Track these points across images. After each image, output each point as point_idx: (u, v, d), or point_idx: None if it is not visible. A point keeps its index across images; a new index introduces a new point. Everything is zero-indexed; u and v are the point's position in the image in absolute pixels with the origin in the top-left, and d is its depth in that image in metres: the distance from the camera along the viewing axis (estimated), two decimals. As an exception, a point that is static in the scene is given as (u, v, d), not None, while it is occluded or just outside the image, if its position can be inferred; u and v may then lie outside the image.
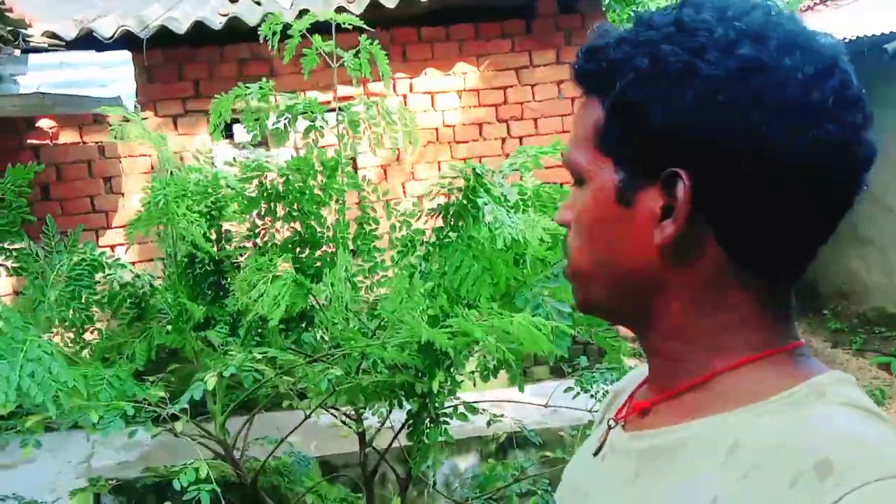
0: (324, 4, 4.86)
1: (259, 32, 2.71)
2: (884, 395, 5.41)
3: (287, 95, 2.61)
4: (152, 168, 5.09)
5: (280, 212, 2.35)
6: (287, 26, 2.64)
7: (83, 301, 2.15)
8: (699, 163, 0.65)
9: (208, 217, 2.26)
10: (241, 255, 2.33)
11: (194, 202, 2.11)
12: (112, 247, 4.68)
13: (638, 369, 0.93)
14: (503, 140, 5.22)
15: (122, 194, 5.11)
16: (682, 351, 0.72)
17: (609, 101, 0.68)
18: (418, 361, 1.93)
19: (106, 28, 4.75)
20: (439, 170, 5.19)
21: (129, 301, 2.27)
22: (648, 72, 0.66)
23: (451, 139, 5.20)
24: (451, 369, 2.12)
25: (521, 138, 5.18)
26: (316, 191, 2.32)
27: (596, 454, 0.81)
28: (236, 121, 4.90)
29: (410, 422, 2.28)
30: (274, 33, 2.67)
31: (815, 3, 8.43)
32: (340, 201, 2.40)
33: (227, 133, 5.15)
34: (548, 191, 2.20)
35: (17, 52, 4.77)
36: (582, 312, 0.86)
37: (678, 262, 0.69)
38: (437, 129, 5.19)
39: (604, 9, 5.34)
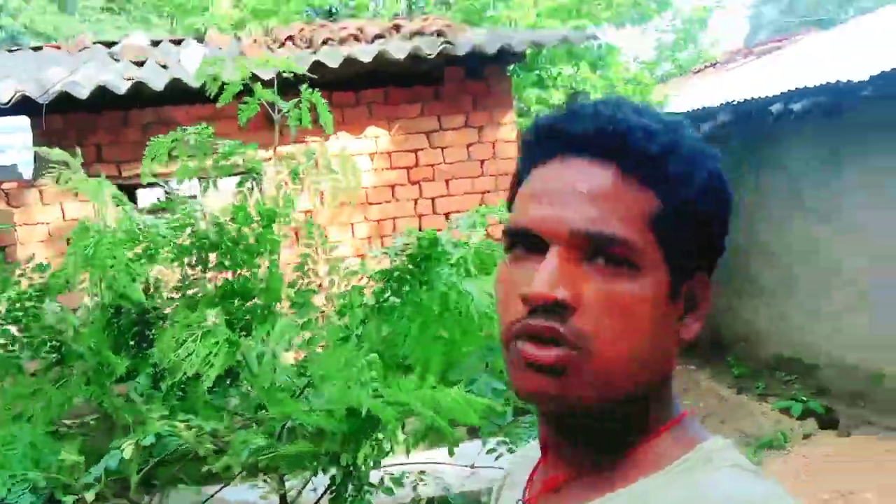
0: (235, 72, 4.85)
1: (174, 103, 2.70)
2: (786, 439, 5.63)
3: (225, 142, 2.59)
4: (49, 236, 4.89)
5: (212, 261, 2.27)
6: (223, 84, 2.65)
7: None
8: (711, 265, 0.78)
9: (138, 264, 2.16)
10: (169, 307, 2.24)
11: (124, 249, 2.03)
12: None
13: (521, 452, 0.94)
14: (415, 201, 5.28)
15: (18, 262, 4.87)
16: (610, 432, 0.74)
17: (674, 200, 0.72)
18: (345, 428, 1.88)
19: (3, 92, 4.58)
20: (352, 233, 5.20)
21: (48, 344, 2.12)
22: (707, 182, 0.74)
23: (364, 201, 5.22)
24: (381, 437, 2.07)
25: (433, 199, 5.26)
26: (251, 240, 2.26)
27: None
28: (140, 186, 4.77)
29: (333, 488, 2.22)
30: (214, 78, 2.66)
31: (704, 67, 8.97)
32: (275, 253, 2.36)
33: (131, 198, 5.02)
34: (488, 250, 2.15)
35: None
36: (555, 406, 0.73)
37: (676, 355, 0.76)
38: (347, 191, 5.20)
39: (508, 74, 5.52)
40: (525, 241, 0.73)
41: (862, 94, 5.32)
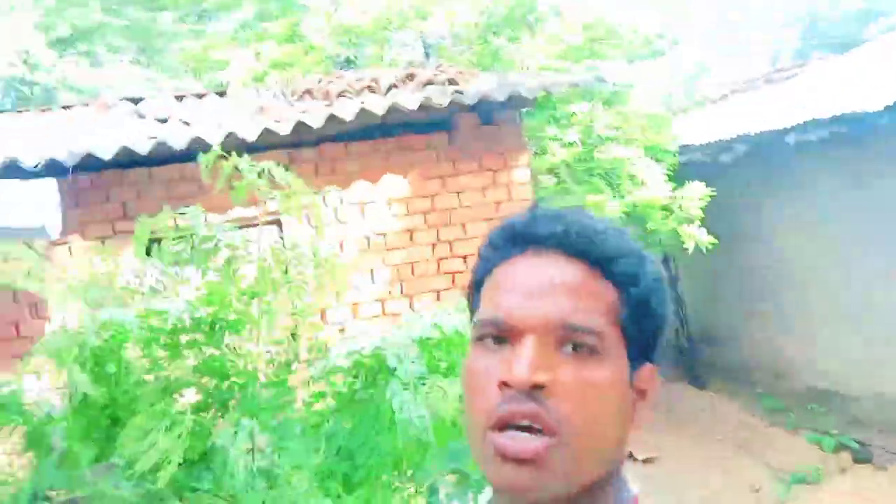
0: (252, 125, 4.99)
1: (196, 160, 2.76)
2: (820, 474, 5.52)
3: (214, 217, 2.62)
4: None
5: (183, 340, 2.26)
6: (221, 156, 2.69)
7: None
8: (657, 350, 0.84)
9: (107, 351, 2.16)
10: (141, 390, 2.20)
11: (90, 351, 2.03)
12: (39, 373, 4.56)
13: None
14: (433, 245, 5.34)
15: (48, 319, 5.01)
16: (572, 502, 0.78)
17: (632, 295, 0.79)
18: None
19: (31, 157, 4.76)
20: (372, 278, 5.26)
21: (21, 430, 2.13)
22: (655, 282, 0.82)
23: (382, 246, 5.29)
24: None
25: (450, 242, 5.32)
26: (230, 316, 2.28)
27: None
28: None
29: None
30: (207, 165, 2.71)
31: (720, 97, 8.96)
32: (256, 331, 2.37)
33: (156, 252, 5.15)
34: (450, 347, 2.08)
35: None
36: (533, 498, 0.75)
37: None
38: (368, 237, 5.28)
39: (520, 118, 5.58)
40: (497, 332, 0.77)
41: (879, 123, 5.29)
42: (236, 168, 2.56)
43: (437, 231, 5.36)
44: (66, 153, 4.76)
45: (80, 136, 4.96)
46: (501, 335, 0.77)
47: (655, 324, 0.81)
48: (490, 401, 0.75)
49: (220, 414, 2.25)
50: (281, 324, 2.51)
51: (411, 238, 5.36)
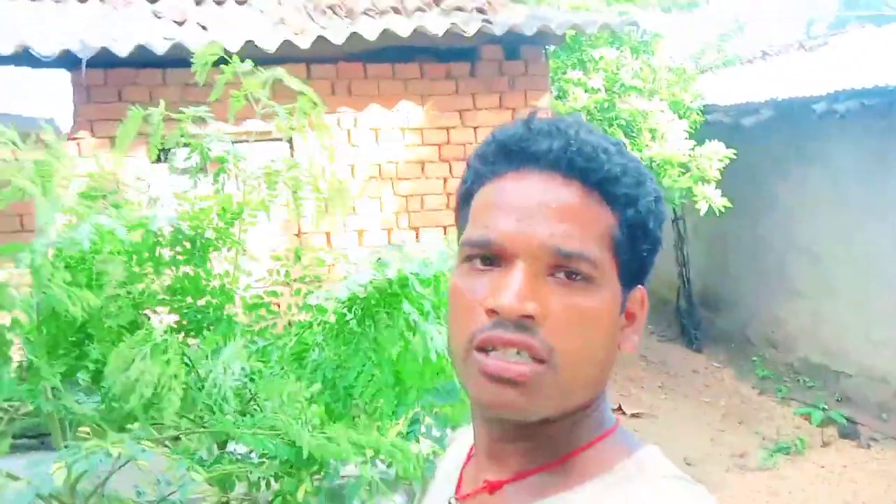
0: (273, 33, 4.86)
1: (192, 63, 2.62)
2: (804, 445, 5.55)
3: (217, 127, 2.50)
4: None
5: (166, 256, 2.13)
6: (222, 60, 2.54)
7: None
8: (649, 272, 0.80)
9: (82, 262, 2.00)
10: (113, 304, 2.05)
11: (72, 268, 1.90)
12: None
13: (457, 436, 0.96)
14: (445, 179, 5.25)
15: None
16: (552, 438, 0.77)
17: (629, 218, 0.75)
18: (287, 456, 1.77)
19: (45, 46, 4.65)
20: (381, 207, 5.20)
21: None
22: (653, 202, 0.77)
23: (393, 175, 5.21)
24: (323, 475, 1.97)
25: (459, 179, 5.23)
26: (209, 234, 2.16)
27: None
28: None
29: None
30: (204, 63, 2.56)
31: (752, 59, 8.74)
32: (237, 250, 2.23)
33: (167, 158, 5.08)
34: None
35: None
36: (521, 419, 0.75)
37: None
38: (379, 164, 5.20)
39: (547, 56, 5.44)
40: (486, 254, 0.73)
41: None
42: (236, 74, 2.42)
43: (450, 165, 5.27)
44: (81, 45, 4.64)
45: (96, 30, 4.84)
46: (489, 257, 0.73)
47: (650, 246, 0.77)
48: (476, 323, 0.72)
49: (193, 335, 2.16)
50: (267, 245, 2.41)
51: (423, 170, 5.27)
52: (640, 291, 0.78)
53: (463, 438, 0.92)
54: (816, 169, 6.55)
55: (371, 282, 1.80)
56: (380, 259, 1.91)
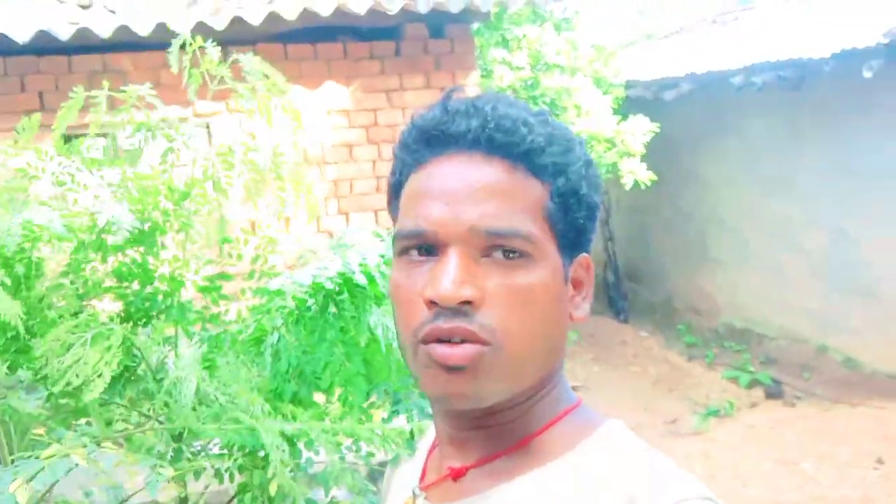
0: (184, 17, 4.64)
1: (120, 50, 2.44)
2: (733, 408, 5.74)
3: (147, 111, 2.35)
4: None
5: (109, 241, 2.00)
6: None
7: None
8: (591, 240, 0.79)
9: (19, 253, 1.90)
10: (56, 294, 1.93)
11: (8, 260, 1.76)
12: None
13: (423, 436, 0.95)
14: (374, 162, 5.16)
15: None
16: (512, 422, 0.76)
17: (560, 187, 0.74)
18: (257, 445, 1.71)
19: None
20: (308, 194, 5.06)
21: None
22: (584, 168, 0.76)
23: (320, 160, 5.09)
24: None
25: (389, 162, 5.14)
26: (155, 215, 2.05)
27: None
28: (84, 136, 4.57)
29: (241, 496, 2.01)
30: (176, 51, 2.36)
31: (670, 34, 8.91)
32: (187, 231, 2.11)
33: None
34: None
35: None
36: (472, 406, 0.73)
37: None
38: (304, 149, 5.06)
39: (472, 34, 5.38)
40: (419, 244, 0.73)
41: (824, 70, 5.32)
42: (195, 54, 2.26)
43: (379, 148, 5.18)
44: (19, 29, 4.34)
45: (-8, 15, 4.52)
46: (424, 247, 0.72)
47: (587, 213, 0.77)
48: (418, 317, 0.71)
49: (142, 324, 2.05)
50: (216, 229, 2.29)
51: (351, 153, 5.16)
52: (584, 258, 0.78)
53: (429, 432, 0.91)
54: (733, 141, 6.74)
55: (340, 273, 1.71)
56: (341, 245, 1.83)
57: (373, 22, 4.83)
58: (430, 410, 1.59)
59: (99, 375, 1.50)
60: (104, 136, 2.66)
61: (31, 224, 1.69)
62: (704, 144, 7.03)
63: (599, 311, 8.03)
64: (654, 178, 5.80)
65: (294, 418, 1.50)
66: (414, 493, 0.83)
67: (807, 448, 5.03)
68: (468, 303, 0.69)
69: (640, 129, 5.80)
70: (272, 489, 1.51)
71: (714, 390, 6.12)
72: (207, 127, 4.86)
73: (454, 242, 0.70)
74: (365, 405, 1.69)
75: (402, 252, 0.74)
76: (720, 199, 6.97)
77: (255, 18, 4.61)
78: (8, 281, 1.84)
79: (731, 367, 6.44)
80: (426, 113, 0.77)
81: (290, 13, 4.61)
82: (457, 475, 0.78)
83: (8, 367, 1.82)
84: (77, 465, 1.42)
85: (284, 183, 2.15)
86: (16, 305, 1.64)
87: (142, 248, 2.04)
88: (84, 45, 4.55)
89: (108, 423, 1.87)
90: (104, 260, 2.00)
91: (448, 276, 0.69)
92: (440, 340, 0.70)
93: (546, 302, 0.72)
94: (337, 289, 1.67)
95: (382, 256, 1.70)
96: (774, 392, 5.94)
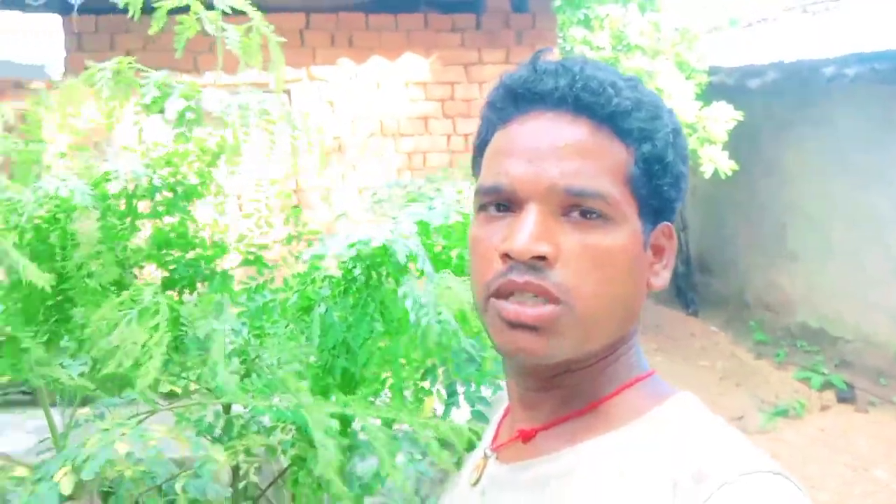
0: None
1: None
2: (802, 408, 5.56)
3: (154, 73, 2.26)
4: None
5: (145, 208, 1.96)
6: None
7: None
8: (673, 214, 0.79)
9: (51, 225, 1.80)
10: (94, 262, 1.87)
11: (42, 230, 1.73)
12: None
13: (501, 396, 0.97)
14: (448, 137, 5.14)
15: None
16: (582, 384, 0.76)
17: (645, 152, 0.73)
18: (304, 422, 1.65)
19: (34, -11, 4.46)
20: (383, 164, 5.08)
21: None
22: (671, 135, 0.75)
23: (395, 132, 5.09)
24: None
25: (466, 136, 5.11)
26: (191, 179, 1.99)
27: (475, 485, 0.83)
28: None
29: (294, 468, 1.96)
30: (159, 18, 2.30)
31: (759, 20, 8.62)
32: (223, 194, 2.06)
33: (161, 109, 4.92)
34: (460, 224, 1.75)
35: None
36: (542, 363, 0.74)
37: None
38: (381, 120, 5.07)
39: (554, 10, 5.30)
40: (498, 200, 0.73)
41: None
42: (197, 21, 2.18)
43: (454, 122, 5.15)
44: (72, -10, 4.46)
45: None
46: (503, 203, 0.73)
47: (671, 181, 0.76)
48: (492, 270, 0.72)
49: (187, 291, 2.03)
50: (253, 195, 2.23)
51: (426, 126, 5.15)
52: (666, 227, 0.78)
53: (502, 397, 0.92)
54: (820, 133, 6.48)
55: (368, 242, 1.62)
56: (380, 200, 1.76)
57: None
58: (487, 404, 1.51)
59: (150, 358, 1.45)
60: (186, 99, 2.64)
61: (54, 196, 1.64)
62: (788, 134, 6.78)
63: (667, 302, 7.87)
64: (736, 167, 5.62)
65: (343, 400, 1.44)
66: (486, 454, 0.84)
67: (880, 455, 4.83)
68: (543, 259, 0.69)
69: (723, 116, 5.62)
70: (319, 471, 1.47)
71: (784, 390, 5.94)
72: (288, 93, 4.90)
73: (533, 199, 0.70)
74: (409, 392, 1.62)
75: (482, 208, 0.75)
76: (802, 191, 6.72)
77: None
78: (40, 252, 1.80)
79: (802, 367, 6.23)
80: (515, 72, 0.77)
81: (374, -19, 4.61)
82: (526, 437, 0.79)
83: (49, 338, 1.81)
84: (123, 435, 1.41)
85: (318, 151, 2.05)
86: (45, 276, 1.60)
87: (177, 216, 1.99)
88: (174, 6, 4.63)
89: (156, 388, 1.83)
90: (134, 227, 1.95)
91: (524, 231, 0.69)
92: (512, 295, 0.71)
93: (622, 265, 0.72)
94: (378, 259, 1.59)
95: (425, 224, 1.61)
96: (847, 396, 5.73)
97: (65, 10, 4.51)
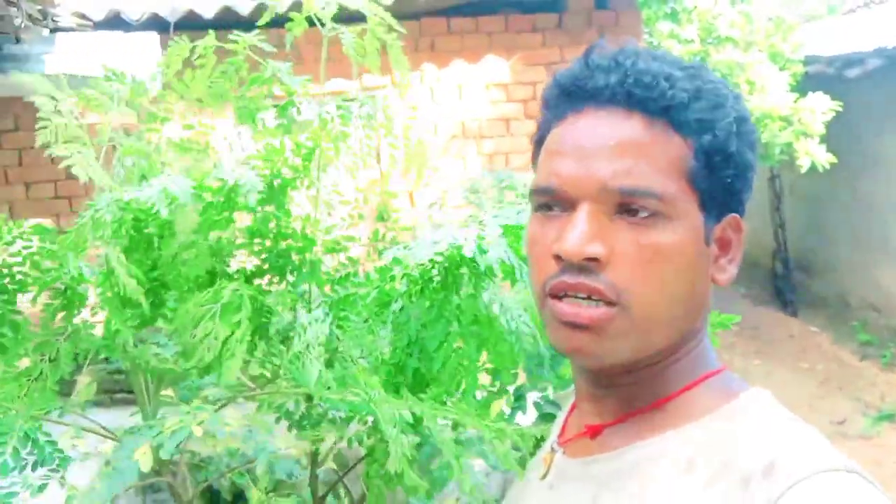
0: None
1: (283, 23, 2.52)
2: (912, 413, 5.26)
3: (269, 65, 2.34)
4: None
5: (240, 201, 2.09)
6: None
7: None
8: (742, 206, 0.76)
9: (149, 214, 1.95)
10: (187, 252, 1.89)
11: (141, 221, 1.82)
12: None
13: (569, 394, 0.94)
14: (530, 138, 5.12)
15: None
16: (647, 382, 0.75)
17: (705, 144, 0.71)
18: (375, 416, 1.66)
19: (134, 10, 4.72)
20: (465, 167, 5.11)
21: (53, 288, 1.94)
22: (735, 124, 0.72)
23: (477, 134, 5.12)
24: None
25: (548, 135, 5.09)
26: (285, 172, 2.05)
27: (543, 479, 0.83)
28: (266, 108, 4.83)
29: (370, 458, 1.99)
30: (274, 21, 2.41)
31: (856, 7, 8.23)
32: (316, 188, 2.12)
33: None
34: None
35: (46, 32, 4.75)
36: (603, 367, 0.74)
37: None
38: (463, 122, 5.10)
39: (638, 5, 5.21)
40: (551, 200, 0.73)
41: None
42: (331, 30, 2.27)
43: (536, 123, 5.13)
44: (169, 9, 4.69)
45: (182, -7, 4.87)
46: (557, 203, 0.72)
47: (736, 172, 0.73)
48: (547, 271, 0.72)
49: (277, 281, 2.11)
50: (344, 190, 2.30)
51: (508, 128, 5.15)
52: (733, 219, 0.75)
53: (570, 395, 0.92)
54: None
55: (450, 245, 1.63)
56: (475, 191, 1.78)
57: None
58: (552, 408, 1.50)
59: (231, 355, 1.49)
60: (277, 106, 2.74)
61: (165, 192, 1.73)
62: (891, 125, 6.43)
63: (765, 302, 7.60)
64: (834, 160, 5.38)
65: (412, 399, 1.46)
66: (553, 448, 0.84)
67: None
68: (595, 260, 0.68)
69: (820, 107, 5.39)
70: (391, 466, 1.48)
71: (890, 393, 5.63)
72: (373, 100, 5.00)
73: (584, 199, 0.70)
74: (479, 396, 1.62)
75: (537, 208, 0.75)
76: (909, 186, 6.36)
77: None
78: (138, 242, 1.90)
79: (911, 369, 5.90)
80: (567, 69, 0.77)
81: (455, -15, 4.66)
82: (593, 432, 0.79)
83: (143, 321, 1.91)
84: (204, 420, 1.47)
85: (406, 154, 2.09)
86: (134, 283, 1.68)
87: (272, 207, 2.08)
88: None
89: (245, 368, 1.91)
90: (230, 218, 2.04)
91: (575, 233, 0.69)
92: (567, 296, 0.70)
93: (680, 263, 0.70)
94: (456, 261, 1.60)
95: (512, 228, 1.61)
96: (962, 400, 5.38)
97: (162, 28, 4.75)
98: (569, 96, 0.74)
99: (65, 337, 1.81)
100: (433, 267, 1.76)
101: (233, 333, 1.55)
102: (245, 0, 4.78)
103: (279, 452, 2.22)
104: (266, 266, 2.11)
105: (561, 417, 0.90)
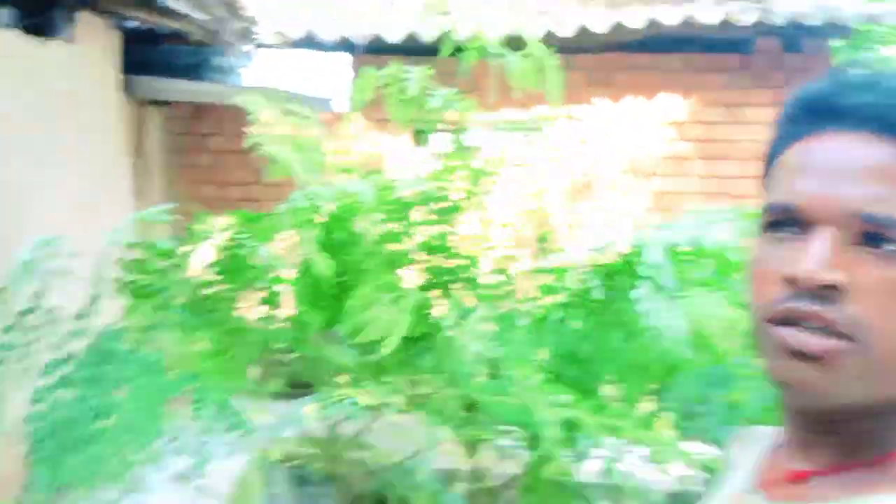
0: (533, 25, 4.88)
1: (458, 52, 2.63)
2: None
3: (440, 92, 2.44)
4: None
5: (415, 217, 2.18)
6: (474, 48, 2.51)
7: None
8: None
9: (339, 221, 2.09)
10: (370, 260, 2.12)
11: (331, 227, 1.97)
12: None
13: (745, 434, 0.88)
14: (704, 178, 4.99)
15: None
16: (871, 432, 0.68)
17: None
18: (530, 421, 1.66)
19: (327, 32, 5.03)
20: (633, 203, 5.05)
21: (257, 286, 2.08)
22: None
23: (647, 171, 5.04)
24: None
25: (722, 179, 4.93)
26: (455, 195, 2.17)
27: None
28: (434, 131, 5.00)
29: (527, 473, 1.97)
30: (458, 50, 2.53)
31: None
32: (483, 209, 2.21)
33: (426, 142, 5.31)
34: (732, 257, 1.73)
35: (249, 48, 5.16)
36: (825, 408, 0.68)
37: None
38: (632, 159, 5.05)
39: (831, 52, 4.97)
40: (786, 220, 0.67)
41: None
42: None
43: (712, 164, 4.99)
44: (358, 34, 4.97)
45: (371, 16, 5.16)
46: (792, 224, 0.66)
47: None
48: (770, 295, 0.66)
49: (442, 294, 2.19)
50: (508, 213, 2.37)
51: (680, 167, 5.04)
52: None
53: (758, 435, 0.85)
54: None
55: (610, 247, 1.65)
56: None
57: (721, 33, 4.68)
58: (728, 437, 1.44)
59: (391, 333, 1.60)
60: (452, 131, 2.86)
61: (346, 192, 1.87)
62: None
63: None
64: None
65: (573, 404, 1.46)
66: (751, 489, 0.78)
67: None
68: (832, 288, 0.63)
69: None
70: (547, 472, 1.48)
71: None
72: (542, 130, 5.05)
73: (825, 223, 0.64)
74: (641, 409, 1.60)
75: (766, 227, 0.70)
76: None
77: (599, 27, 4.70)
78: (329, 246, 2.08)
79: None
80: (816, 85, 0.72)
81: (636, 23, 4.63)
82: (797, 478, 0.72)
83: (326, 322, 2.06)
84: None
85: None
86: (329, 264, 1.84)
87: (443, 226, 2.20)
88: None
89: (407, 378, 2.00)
90: (407, 234, 2.17)
91: (814, 256, 0.63)
92: (795, 324, 0.64)
93: None
94: (618, 268, 1.60)
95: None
96: None
97: (351, 50, 5.04)
98: (813, 114, 0.70)
99: (260, 327, 2.01)
100: (593, 277, 1.78)
101: (394, 319, 1.68)
102: (428, 28, 4.98)
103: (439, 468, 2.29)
104: (435, 281, 2.23)
105: (754, 455, 0.83)
